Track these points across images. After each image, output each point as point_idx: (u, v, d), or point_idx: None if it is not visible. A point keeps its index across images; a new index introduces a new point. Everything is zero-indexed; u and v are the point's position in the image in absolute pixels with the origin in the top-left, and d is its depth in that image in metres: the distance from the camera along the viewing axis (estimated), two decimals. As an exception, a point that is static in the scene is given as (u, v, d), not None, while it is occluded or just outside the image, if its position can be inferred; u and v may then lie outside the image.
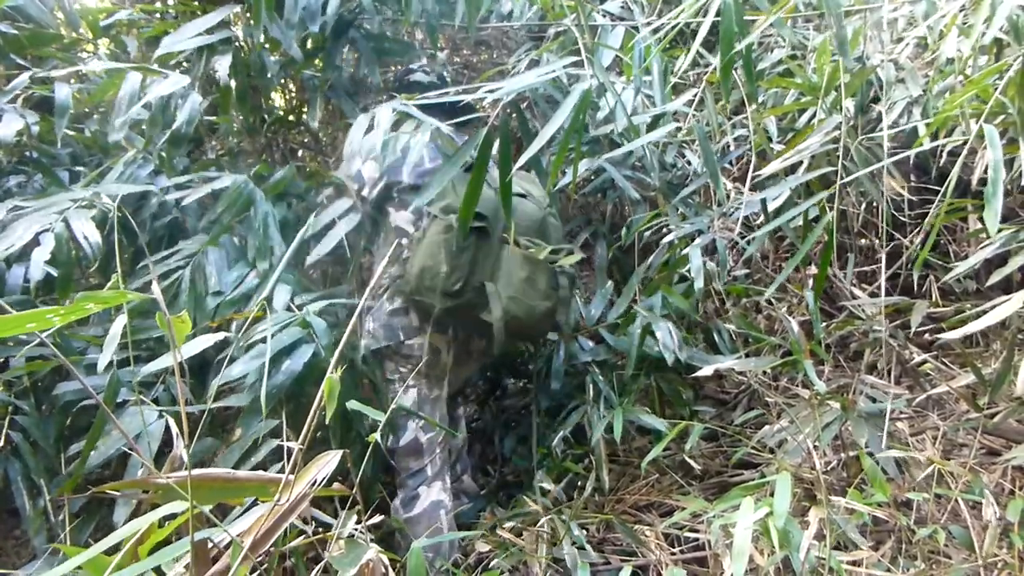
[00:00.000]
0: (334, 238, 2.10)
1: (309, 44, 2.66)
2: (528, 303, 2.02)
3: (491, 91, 1.61)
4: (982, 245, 1.79)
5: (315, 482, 1.03)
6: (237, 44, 2.41)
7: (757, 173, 1.96)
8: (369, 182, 2.15)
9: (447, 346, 2.17)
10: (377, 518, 1.28)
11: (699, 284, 2.12)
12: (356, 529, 1.18)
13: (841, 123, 1.76)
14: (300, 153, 3.18)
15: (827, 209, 1.75)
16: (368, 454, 1.34)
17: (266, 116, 2.80)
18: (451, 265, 1.96)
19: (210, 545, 0.98)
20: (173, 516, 0.91)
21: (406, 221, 2.16)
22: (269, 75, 2.48)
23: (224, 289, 2.02)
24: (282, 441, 1.69)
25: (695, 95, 2.10)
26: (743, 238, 2.47)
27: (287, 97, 3.02)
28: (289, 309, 1.93)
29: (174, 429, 0.96)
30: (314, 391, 1.85)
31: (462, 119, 2.15)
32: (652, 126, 2.09)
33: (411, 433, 2.16)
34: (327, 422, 0.92)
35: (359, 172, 2.16)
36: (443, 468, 2.21)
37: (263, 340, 1.77)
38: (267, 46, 2.49)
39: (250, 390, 1.80)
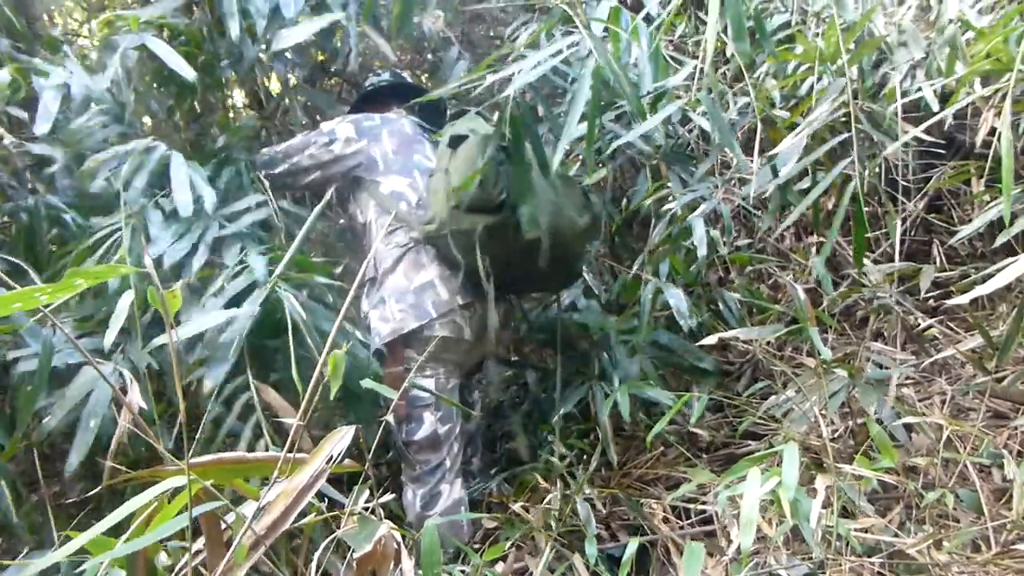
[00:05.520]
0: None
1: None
2: (569, 215, 2.00)
3: (504, 81, 1.63)
4: (986, 208, 1.77)
5: (331, 458, 1.01)
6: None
7: (774, 152, 1.93)
8: (343, 140, 2.20)
9: (470, 320, 2.11)
10: (389, 496, 1.27)
11: (702, 253, 2.10)
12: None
13: (847, 86, 1.73)
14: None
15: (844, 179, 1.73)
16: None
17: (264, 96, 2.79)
18: (489, 174, 1.92)
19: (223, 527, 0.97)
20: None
21: (403, 184, 2.18)
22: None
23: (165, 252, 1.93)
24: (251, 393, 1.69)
25: (695, 67, 2.06)
26: (747, 202, 2.44)
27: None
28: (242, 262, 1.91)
29: (129, 381, 0.94)
30: (273, 344, 1.84)
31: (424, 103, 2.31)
32: (656, 102, 2.08)
33: (429, 426, 2.08)
34: (331, 399, 0.90)
35: (332, 129, 2.21)
36: (459, 460, 2.17)
37: (215, 294, 1.77)
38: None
39: (207, 343, 1.76)
